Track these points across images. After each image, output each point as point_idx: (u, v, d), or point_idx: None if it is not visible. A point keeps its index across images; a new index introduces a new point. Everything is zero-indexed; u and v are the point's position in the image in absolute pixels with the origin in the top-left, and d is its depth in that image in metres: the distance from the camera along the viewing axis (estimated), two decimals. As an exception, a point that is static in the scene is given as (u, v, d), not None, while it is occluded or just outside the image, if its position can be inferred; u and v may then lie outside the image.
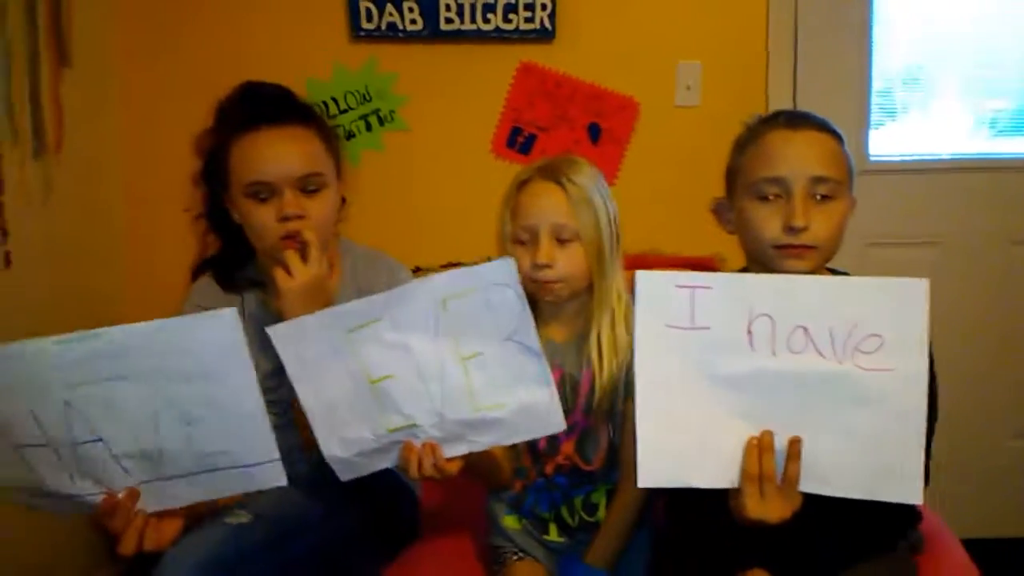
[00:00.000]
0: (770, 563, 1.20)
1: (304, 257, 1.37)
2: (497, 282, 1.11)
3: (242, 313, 1.51)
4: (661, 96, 2.42)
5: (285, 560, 1.28)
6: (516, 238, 1.35)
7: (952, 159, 2.51)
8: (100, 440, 1.14)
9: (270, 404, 1.53)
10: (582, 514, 1.40)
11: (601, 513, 1.39)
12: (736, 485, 1.10)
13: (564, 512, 1.40)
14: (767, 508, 1.08)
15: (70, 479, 1.16)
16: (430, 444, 1.19)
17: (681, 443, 1.09)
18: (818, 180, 1.24)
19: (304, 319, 1.21)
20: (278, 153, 1.40)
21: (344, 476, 1.25)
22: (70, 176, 2.09)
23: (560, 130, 2.43)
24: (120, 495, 1.15)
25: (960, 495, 2.40)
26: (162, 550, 1.21)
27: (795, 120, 1.29)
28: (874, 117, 2.49)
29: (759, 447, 1.08)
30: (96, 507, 1.16)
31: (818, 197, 1.24)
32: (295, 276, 1.35)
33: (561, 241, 1.33)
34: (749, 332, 1.08)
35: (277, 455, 1.15)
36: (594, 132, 2.44)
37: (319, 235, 1.42)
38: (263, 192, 1.40)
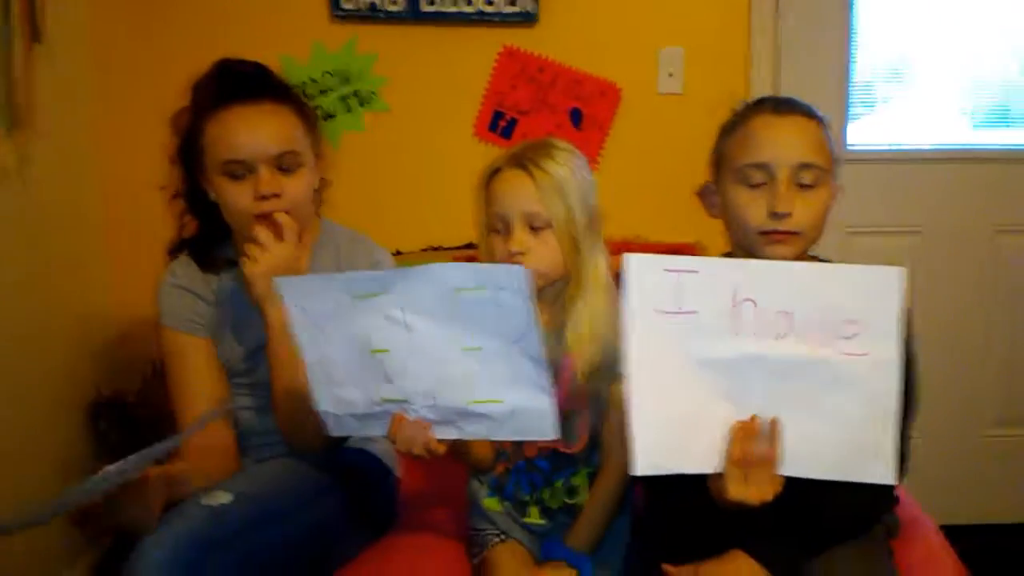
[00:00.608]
0: (748, 546, 1.20)
1: (278, 237, 1.36)
2: (506, 287, 1.11)
3: (219, 292, 1.50)
4: (643, 82, 2.41)
5: (264, 542, 1.27)
6: (491, 227, 1.34)
7: (933, 149, 2.53)
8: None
9: (247, 387, 1.53)
10: (563, 497, 1.40)
11: (582, 496, 1.39)
12: (721, 469, 1.10)
13: (545, 495, 1.40)
14: (748, 491, 1.09)
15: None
16: (420, 422, 1.19)
17: (673, 430, 1.09)
18: (803, 167, 1.25)
19: (312, 277, 1.22)
20: (253, 130, 1.38)
21: (334, 432, 1.26)
22: (45, 152, 2.05)
23: (542, 114, 2.42)
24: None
25: (941, 482, 2.43)
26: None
27: (781, 106, 1.30)
28: (856, 108, 2.50)
29: (744, 431, 1.09)
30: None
31: (802, 184, 1.25)
32: (259, 259, 1.35)
33: (534, 229, 1.32)
34: (735, 316, 1.08)
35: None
36: (576, 117, 2.43)
37: (296, 214, 1.40)
38: (238, 170, 1.38)
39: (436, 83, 2.40)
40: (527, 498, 1.41)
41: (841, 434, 1.09)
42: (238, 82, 1.43)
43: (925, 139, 2.54)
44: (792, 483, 1.12)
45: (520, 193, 1.31)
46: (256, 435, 1.52)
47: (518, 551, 1.41)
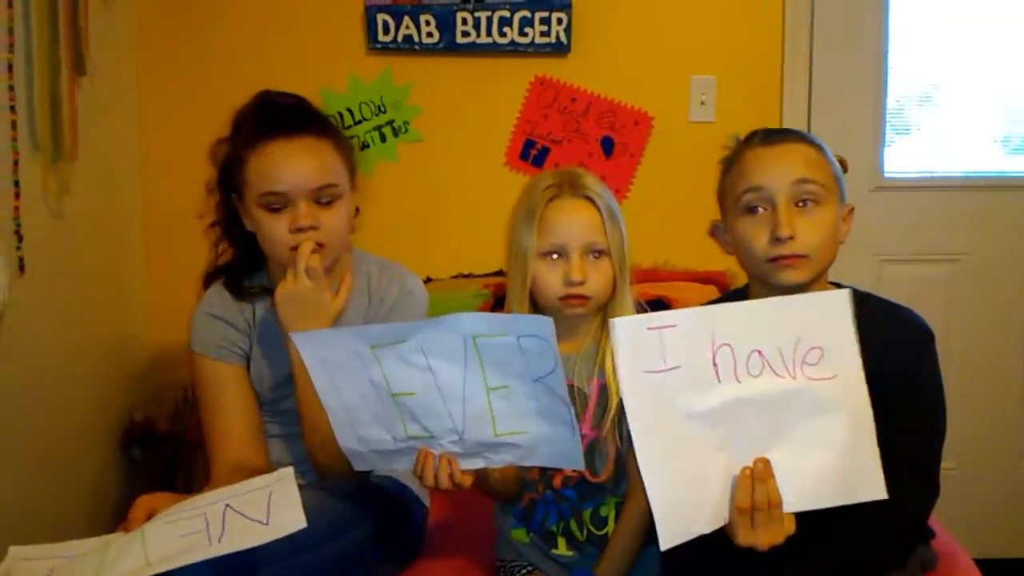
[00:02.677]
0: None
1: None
2: (533, 335, 1.11)
3: (252, 321, 1.52)
4: (675, 110, 2.42)
5: (297, 570, 1.28)
6: (544, 252, 1.34)
7: (967, 176, 2.50)
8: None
9: (278, 414, 1.54)
10: (591, 527, 1.39)
11: (610, 526, 1.38)
12: (726, 521, 1.10)
13: (572, 526, 1.39)
14: (757, 536, 1.08)
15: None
16: (446, 457, 1.20)
17: (685, 493, 1.08)
18: (799, 183, 1.25)
19: (325, 331, 1.23)
20: (294, 164, 1.40)
21: (358, 467, 1.27)
22: (86, 183, 2.10)
23: (574, 143, 2.44)
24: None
25: (978, 515, 2.38)
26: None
27: (771, 136, 1.31)
28: (887, 135, 2.48)
29: (753, 477, 1.08)
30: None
31: (803, 203, 1.25)
32: (286, 283, 1.38)
33: (592, 256, 1.33)
34: (714, 364, 1.07)
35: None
36: (607, 145, 2.44)
37: (331, 246, 1.42)
38: (277, 202, 1.41)
39: (468, 112, 2.43)
40: (554, 529, 1.40)
41: (833, 458, 1.09)
42: (279, 116, 1.45)
43: (957, 166, 2.51)
44: (816, 516, 1.11)
45: (584, 222, 1.33)
46: (286, 464, 1.52)
47: (546, 583, 1.40)
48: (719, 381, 1.07)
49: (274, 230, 1.41)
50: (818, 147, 1.30)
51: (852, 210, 1.32)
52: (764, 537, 1.08)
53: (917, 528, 1.30)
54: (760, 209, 1.26)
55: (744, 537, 1.08)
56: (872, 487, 1.09)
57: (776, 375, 1.08)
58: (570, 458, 1.18)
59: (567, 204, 1.34)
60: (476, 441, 1.19)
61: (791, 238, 1.23)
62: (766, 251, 1.25)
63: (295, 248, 1.40)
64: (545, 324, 1.10)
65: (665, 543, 1.07)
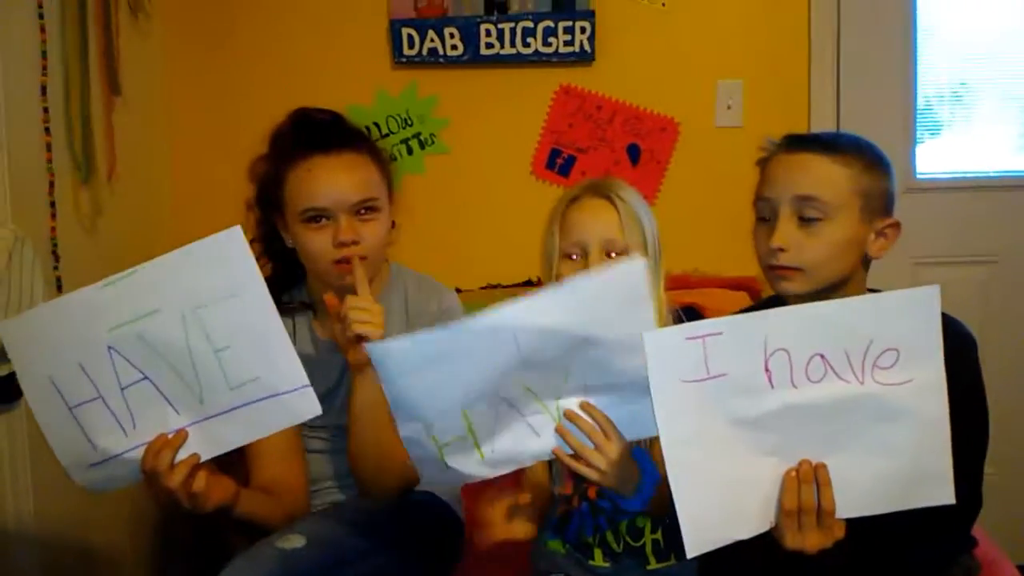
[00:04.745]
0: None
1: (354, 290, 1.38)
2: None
3: (292, 336, 1.53)
4: (701, 115, 2.41)
5: None
6: (565, 253, 1.36)
7: (1000, 176, 2.46)
8: (145, 378, 1.18)
9: (318, 428, 1.55)
10: (627, 539, 1.38)
11: (647, 537, 1.37)
12: (773, 524, 1.08)
13: (609, 537, 1.38)
14: (805, 540, 1.07)
15: (123, 433, 1.20)
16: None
17: (719, 500, 1.07)
18: (801, 200, 1.24)
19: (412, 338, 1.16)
20: (334, 180, 1.42)
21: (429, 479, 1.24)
22: (121, 202, 2.14)
23: (600, 151, 2.43)
24: (169, 435, 1.19)
25: (1017, 521, 2.32)
26: (203, 509, 1.23)
27: (792, 144, 1.29)
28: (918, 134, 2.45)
29: (798, 479, 1.07)
30: (148, 449, 1.19)
31: (805, 217, 1.23)
32: (375, 321, 1.33)
33: (611, 256, 1.33)
34: (767, 370, 1.05)
35: (307, 381, 1.17)
36: (633, 153, 2.44)
37: (372, 259, 1.43)
38: (319, 218, 1.42)
39: (494, 123, 2.44)
40: (591, 540, 1.39)
41: (895, 465, 1.07)
42: (317, 132, 1.47)
43: (989, 165, 2.47)
44: (861, 522, 1.09)
45: (601, 220, 1.34)
46: (326, 478, 1.54)
47: (583, 594, 1.39)
48: (772, 387, 1.06)
49: (316, 244, 1.42)
50: (846, 158, 1.25)
51: (894, 225, 1.28)
52: (812, 540, 1.06)
53: (958, 538, 1.28)
54: (767, 218, 1.27)
55: (792, 540, 1.07)
56: (940, 493, 1.07)
57: (840, 379, 1.06)
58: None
59: (586, 204, 1.36)
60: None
61: (782, 250, 1.23)
62: (766, 258, 1.27)
63: (337, 262, 1.41)
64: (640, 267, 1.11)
65: (692, 551, 1.06)
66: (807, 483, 1.06)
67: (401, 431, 1.17)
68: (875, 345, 1.05)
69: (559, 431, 1.15)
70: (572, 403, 1.16)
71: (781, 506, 1.07)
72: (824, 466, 1.07)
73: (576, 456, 1.16)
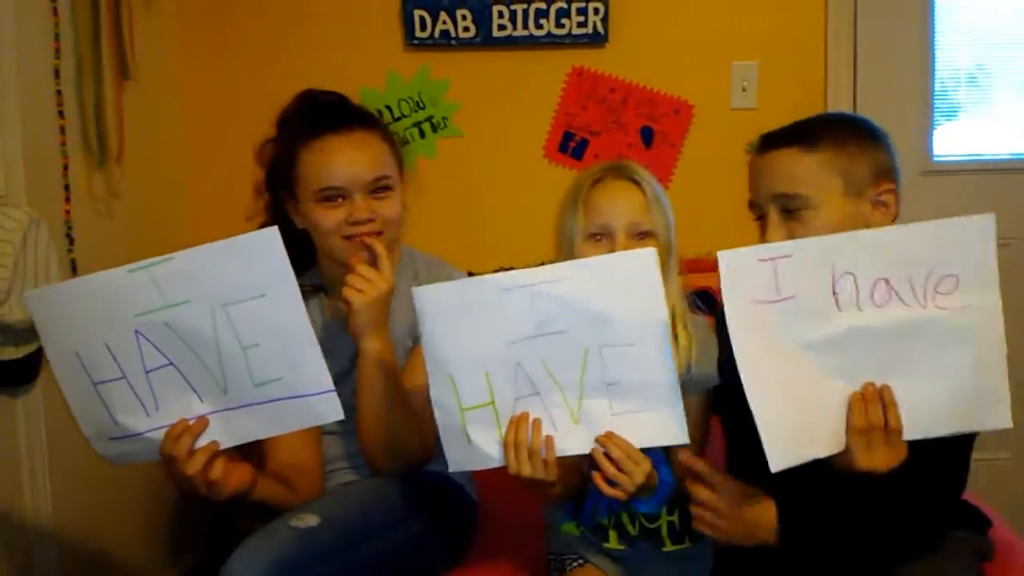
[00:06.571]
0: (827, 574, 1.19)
1: (375, 267, 1.39)
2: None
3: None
4: (716, 97, 2.39)
5: (349, 565, 1.29)
6: (590, 234, 1.34)
7: (1016, 159, 2.43)
8: (170, 364, 1.18)
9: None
10: (643, 520, 1.38)
11: (663, 519, 1.37)
12: (844, 446, 1.11)
13: (624, 518, 1.38)
14: (875, 458, 1.10)
15: (146, 414, 1.20)
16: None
17: (794, 418, 1.10)
18: (780, 197, 1.25)
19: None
20: (349, 159, 1.43)
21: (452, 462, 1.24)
22: (134, 185, 2.15)
23: (613, 134, 2.42)
24: (190, 421, 1.19)
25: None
26: (220, 496, 1.24)
27: (763, 144, 1.30)
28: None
29: (864, 399, 1.10)
30: (168, 434, 1.19)
31: (789, 211, 1.24)
32: (365, 289, 1.37)
33: (636, 237, 1.33)
34: (834, 292, 1.09)
35: (331, 386, 1.18)
36: (647, 136, 2.42)
37: (386, 237, 1.43)
38: (334, 197, 1.42)
39: (506, 106, 2.43)
40: (605, 522, 1.39)
41: (955, 388, 1.11)
42: (327, 112, 1.48)
43: (1005, 148, 2.45)
44: (865, 502, 1.14)
45: (627, 202, 1.34)
46: (340, 459, 1.54)
47: (597, 576, 1.40)
48: (839, 310, 1.09)
49: (329, 221, 1.43)
50: (814, 144, 1.24)
51: (889, 191, 1.26)
52: (881, 459, 1.09)
53: (947, 507, 1.28)
54: (760, 219, 1.29)
55: (863, 460, 1.10)
56: (997, 416, 1.11)
57: (904, 304, 1.10)
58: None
59: (611, 185, 1.35)
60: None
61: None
62: None
63: (347, 237, 1.42)
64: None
65: (776, 466, 1.09)
66: (873, 402, 1.10)
67: (432, 394, 1.20)
68: (936, 271, 1.09)
69: (594, 455, 1.19)
70: (596, 405, 1.18)
71: (850, 425, 1.10)
72: (888, 387, 1.10)
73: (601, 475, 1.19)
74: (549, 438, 1.19)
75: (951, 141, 2.44)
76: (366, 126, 1.47)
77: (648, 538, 1.38)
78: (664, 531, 1.37)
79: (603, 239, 1.33)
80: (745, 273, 1.08)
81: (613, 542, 1.40)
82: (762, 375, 1.08)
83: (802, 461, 1.10)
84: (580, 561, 1.41)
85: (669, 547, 1.38)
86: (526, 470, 1.18)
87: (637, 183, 1.34)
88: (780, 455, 1.09)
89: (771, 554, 1.21)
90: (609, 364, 1.16)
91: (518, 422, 1.18)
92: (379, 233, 1.43)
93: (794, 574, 1.20)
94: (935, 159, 2.40)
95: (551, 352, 1.16)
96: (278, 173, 1.49)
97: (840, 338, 1.09)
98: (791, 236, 1.22)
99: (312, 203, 1.44)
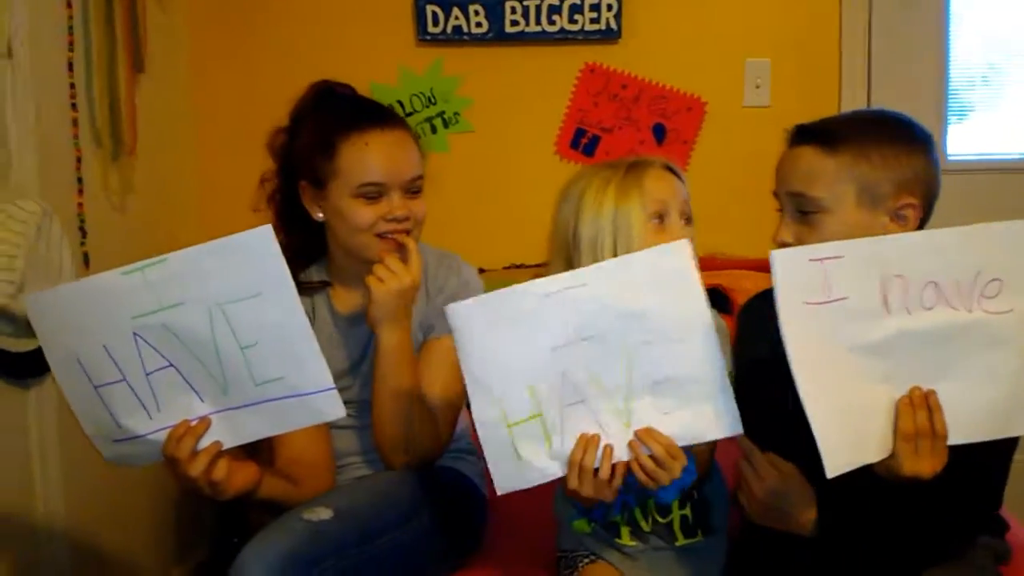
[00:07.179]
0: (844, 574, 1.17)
1: (404, 260, 1.40)
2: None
3: (312, 315, 1.53)
4: (729, 95, 2.38)
5: (361, 559, 1.29)
6: (652, 214, 1.30)
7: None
8: (171, 365, 1.18)
9: (344, 404, 1.54)
10: (656, 515, 1.37)
11: (675, 514, 1.37)
12: (891, 452, 1.10)
13: (637, 514, 1.38)
14: (921, 464, 1.09)
15: (148, 416, 1.20)
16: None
17: (849, 423, 1.09)
18: (794, 196, 1.24)
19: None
20: (392, 156, 1.43)
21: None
22: (147, 178, 2.15)
23: (625, 131, 2.41)
24: (192, 422, 1.19)
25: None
26: (224, 496, 1.23)
27: (794, 137, 1.28)
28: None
29: (912, 404, 1.09)
30: (170, 435, 1.19)
31: (802, 212, 1.23)
32: (388, 280, 1.37)
33: (686, 222, 1.33)
34: (884, 295, 1.08)
35: (332, 384, 1.17)
36: (659, 133, 2.42)
37: (416, 233, 1.45)
38: (373, 192, 1.42)
39: (518, 102, 2.42)
40: (618, 519, 1.39)
41: (998, 393, 1.10)
42: (364, 106, 1.48)
43: (1017, 148, 2.45)
44: (890, 504, 1.12)
45: (676, 186, 1.33)
46: (352, 454, 1.54)
47: (610, 572, 1.39)
48: (888, 313, 1.08)
49: (364, 217, 1.42)
50: (837, 147, 1.21)
51: (911, 206, 1.22)
52: (927, 465, 1.08)
53: (983, 516, 1.27)
54: (781, 210, 1.28)
55: (910, 466, 1.08)
56: None
57: (951, 308, 1.09)
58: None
59: (659, 170, 1.33)
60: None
61: (786, 244, 1.22)
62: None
63: (380, 235, 1.42)
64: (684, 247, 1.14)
65: (832, 471, 1.08)
66: (921, 408, 1.09)
67: (475, 412, 1.16)
68: (982, 275, 1.08)
69: (632, 447, 1.16)
70: (645, 405, 1.15)
71: (898, 431, 1.09)
72: (934, 392, 1.09)
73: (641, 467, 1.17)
74: (617, 466, 1.16)
75: (964, 140, 2.43)
76: (402, 124, 1.49)
77: (660, 533, 1.37)
78: (677, 524, 1.37)
79: (660, 221, 1.31)
80: (797, 273, 1.06)
81: (625, 538, 1.39)
82: (817, 378, 1.07)
83: (854, 467, 1.09)
84: (592, 558, 1.41)
85: (682, 541, 1.37)
86: (588, 491, 1.16)
87: (674, 172, 1.34)
88: (836, 460, 1.07)
89: (789, 549, 1.20)
90: (656, 362, 1.14)
91: (587, 444, 1.15)
92: (408, 232, 1.43)
93: (811, 571, 1.19)
94: (948, 159, 2.39)
95: (594, 356, 1.14)
96: (303, 163, 1.47)
97: (889, 341, 1.09)
98: (799, 237, 1.22)
99: (349, 197, 1.42)
